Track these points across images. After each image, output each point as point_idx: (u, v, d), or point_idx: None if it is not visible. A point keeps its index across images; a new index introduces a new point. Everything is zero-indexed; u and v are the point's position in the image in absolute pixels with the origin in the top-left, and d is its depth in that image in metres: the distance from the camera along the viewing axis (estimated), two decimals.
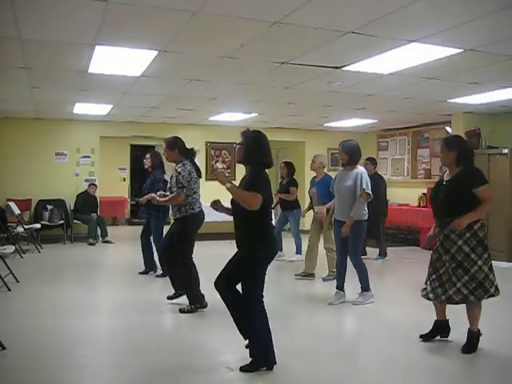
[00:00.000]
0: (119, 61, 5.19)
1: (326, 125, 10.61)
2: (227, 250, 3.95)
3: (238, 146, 3.63)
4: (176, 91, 6.87)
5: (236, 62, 5.20)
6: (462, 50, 4.64)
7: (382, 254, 8.22)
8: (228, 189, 3.35)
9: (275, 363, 3.46)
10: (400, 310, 5.15)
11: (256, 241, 3.42)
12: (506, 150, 8.03)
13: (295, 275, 6.70)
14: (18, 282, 5.91)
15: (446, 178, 4.01)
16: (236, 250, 3.56)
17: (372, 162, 8.48)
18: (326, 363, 3.70)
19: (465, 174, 3.87)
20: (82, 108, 8.42)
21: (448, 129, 9.45)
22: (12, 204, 8.76)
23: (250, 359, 3.46)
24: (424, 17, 3.79)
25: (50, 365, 3.54)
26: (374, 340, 4.31)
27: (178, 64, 5.38)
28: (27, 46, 4.67)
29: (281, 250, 7.80)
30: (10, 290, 5.55)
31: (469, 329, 3.93)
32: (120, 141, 12.37)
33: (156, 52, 4.83)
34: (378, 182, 8.20)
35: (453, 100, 7.38)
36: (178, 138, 5.29)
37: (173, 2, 3.54)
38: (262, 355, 3.44)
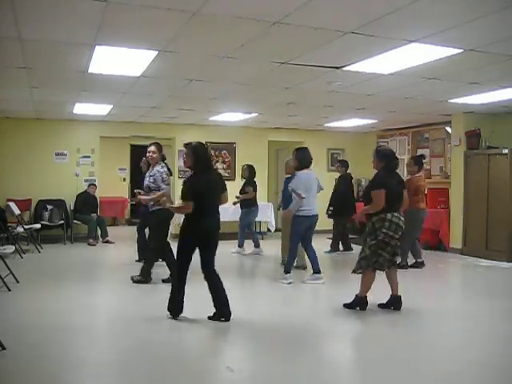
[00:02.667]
0: (119, 61, 5.19)
1: (325, 125, 10.61)
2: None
3: (184, 155, 4.68)
4: (176, 91, 6.87)
5: (236, 62, 5.20)
6: (462, 50, 4.64)
7: (334, 248, 8.78)
8: (170, 208, 5.03)
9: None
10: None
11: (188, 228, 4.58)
12: (506, 150, 8.02)
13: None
14: (17, 282, 5.90)
15: None
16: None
17: (342, 163, 8.99)
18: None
19: (373, 178, 4.99)
20: (82, 108, 8.41)
21: (448, 129, 9.45)
22: (12, 204, 8.75)
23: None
24: (424, 17, 3.78)
25: (50, 365, 3.54)
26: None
27: (177, 64, 5.38)
28: (27, 46, 4.67)
29: (258, 245, 8.68)
30: (9, 290, 5.55)
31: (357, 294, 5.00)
32: (120, 141, 12.37)
33: (156, 52, 4.82)
34: (344, 183, 8.78)
35: (453, 100, 7.38)
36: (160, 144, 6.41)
37: (172, 2, 3.54)
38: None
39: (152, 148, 6.14)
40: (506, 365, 3.69)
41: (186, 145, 4.68)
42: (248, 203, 8.55)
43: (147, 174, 6.15)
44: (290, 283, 6.19)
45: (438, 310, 5.11)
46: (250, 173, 8.70)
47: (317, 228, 6.46)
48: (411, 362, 3.70)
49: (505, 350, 3.99)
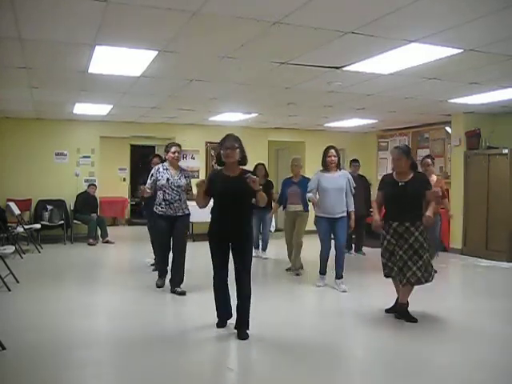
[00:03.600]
0: (119, 61, 5.18)
1: (325, 125, 10.61)
2: None
3: (228, 151, 4.10)
4: (176, 91, 6.87)
5: (236, 62, 5.20)
6: (462, 50, 4.64)
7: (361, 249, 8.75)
8: (257, 191, 4.03)
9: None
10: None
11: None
12: (506, 150, 8.03)
13: (295, 274, 6.92)
14: (17, 282, 5.90)
15: (398, 179, 4.69)
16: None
17: (358, 163, 8.88)
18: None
19: (420, 179, 4.75)
20: (82, 108, 8.41)
21: (448, 129, 9.45)
22: (12, 204, 8.75)
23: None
24: (424, 17, 3.78)
25: (50, 365, 3.53)
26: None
27: (177, 64, 5.38)
28: (27, 46, 4.66)
29: (262, 249, 8.35)
30: (9, 290, 5.55)
31: (400, 302, 4.72)
32: (120, 141, 12.37)
33: (156, 52, 4.82)
34: (362, 182, 8.59)
35: (453, 100, 7.38)
36: None
37: (173, 2, 3.54)
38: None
39: (177, 148, 5.79)
40: (506, 365, 3.69)
41: (228, 136, 4.23)
42: (268, 206, 8.18)
43: (176, 176, 5.66)
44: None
45: (437, 310, 5.11)
46: (266, 172, 8.24)
47: (312, 229, 6.41)
48: (411, 362, 3.70)
49: (505, 350, 3.99)
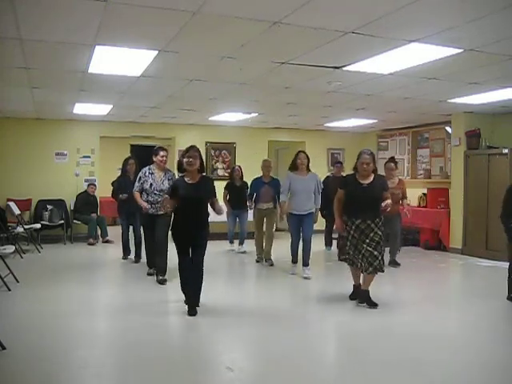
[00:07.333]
0: (119, 61, 5.18)
1: (325, 125, 10.61)
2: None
3: (190, 159, 4.68)
4: (176, 91, 6.87)
5: (236, 62, 5.20)
6: (462, 50, 4.64)
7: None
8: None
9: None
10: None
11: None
12: (505, 150, 8.03)
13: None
14: (17, 282, 5.90)
15: (361, 180, 5.07)
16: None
17: (341, 164, 9.08)
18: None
19: (380, 181, 5.18)
20: (82, 108, 8.41)
21: (448, 129, 9.45)
22: (12, 204, 8.75)
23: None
24: (424, 17, 3.78)
25: (50, 365, 3.53)
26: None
27: (178, 64, 5.38)
28: (27, 46, 4.66)
29: (239, 243, 8.74)
30: (9, 290, 5.55)
31: (363, 289, 5.12)
32: (120, 141, 12.35)
33: (156, 52, 4.83)
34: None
35: (453, 100, 7.38)
36: None
37: (173, 2, 3.54)
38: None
39: (165, 153, 6.31)
40: (506, 365, 3.69)
41: (191, 147, 4.80)
42: (244, 204, 8.52)
43: (160, 180, 6.24)
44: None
45: (437, 310, 5.11)
46: (242, 174, 8.78)
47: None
48: (411, 362, 3.70)
49: (505, 350, 3.99)
